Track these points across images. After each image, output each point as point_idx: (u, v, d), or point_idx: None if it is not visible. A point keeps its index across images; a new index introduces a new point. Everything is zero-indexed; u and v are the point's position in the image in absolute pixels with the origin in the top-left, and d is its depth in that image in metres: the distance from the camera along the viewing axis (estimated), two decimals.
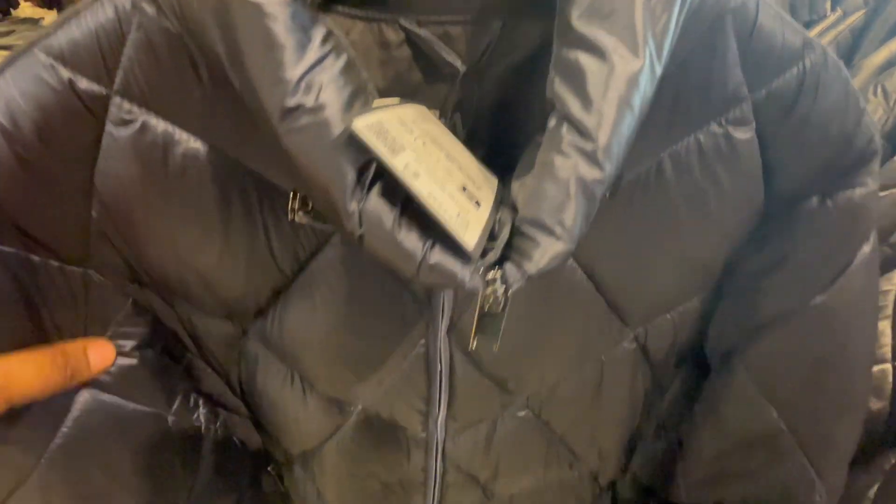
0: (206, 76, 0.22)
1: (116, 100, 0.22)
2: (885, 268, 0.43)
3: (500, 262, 0.18)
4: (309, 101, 0.16)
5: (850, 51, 0.56)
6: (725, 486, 0.35)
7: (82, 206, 0.25)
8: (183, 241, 0.26)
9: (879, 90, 0.50)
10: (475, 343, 0.21)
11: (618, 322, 0.32)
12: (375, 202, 0.17)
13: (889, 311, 0.41)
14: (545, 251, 0.18)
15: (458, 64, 0.22)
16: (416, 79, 0.24)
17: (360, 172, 0.16)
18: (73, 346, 0.25)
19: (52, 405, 0.25)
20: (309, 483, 0.43)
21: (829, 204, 0.26)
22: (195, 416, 0.37)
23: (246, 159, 0.25)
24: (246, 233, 0.27)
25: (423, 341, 0.32)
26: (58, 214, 0.25)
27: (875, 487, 0.38)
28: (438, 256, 0.17)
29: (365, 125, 0.15)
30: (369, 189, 0.17)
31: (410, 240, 0.17)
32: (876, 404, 0.41)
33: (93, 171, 0.24)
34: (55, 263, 0.26)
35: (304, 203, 0.23)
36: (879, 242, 0.44)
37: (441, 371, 0.34)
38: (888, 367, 0.40)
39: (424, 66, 0.24)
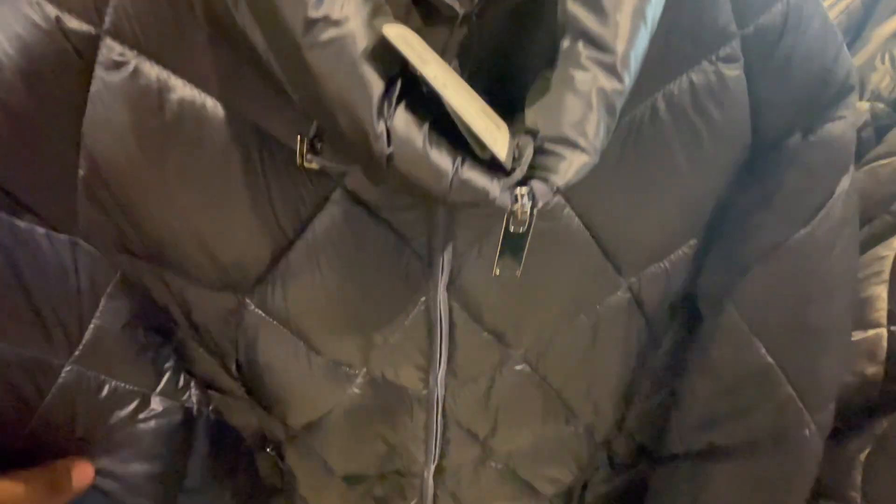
0: (204, 16, 0.21)
1: (107, 41, 0.21)
2: (885, 235, 0.45)
3: (524, 182, 0.19)
4: (334, 12, 0.16)
5: (862, 21, 0.57)
6: (718, 427, 0.36)
7: (69, 162, 0.23)
8: (179, 198, 0.25)
9: (887, 58, 0.52)
10: (498, 268, 0.21)
11: (612, 271, 0.33)
12: (403, 118, 0.16)
13: (886, 275, 0.43)
14: (571, 164, 0.18)
15: (457, 6, 0.23)
16: (416, 23, 0.24)
17: (387, 88, 0.16)
18: (60, 466, 0.27)
19: None
20: (314, 454, 0.42)
21: (810, 139, 0.27)
22: (185, 396, 0.36)
23: (246, 110, 0.24)
24: (246, 189, 0.26)
25: (423, 299, 0.32)
26: (43, 171, 0.23)
27: (866, 452, 0.40)
28: (469, 173, 0.17)
29: (395, 33, 0.15)
30: (396, 106, 0.16)
31: (441, 157, 0.17)
32: (870, 368, 0.42)
33: (80, 121, 0.23)
34: (41, 230, 0.24)
35: (312, 148, 0.22)
36: (880, 212, 0.46)
37: (441, 327, 0.34)
38: (883, 331, 0.42)
39: (423, 10, 0.24)
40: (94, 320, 0.27)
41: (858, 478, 0.40)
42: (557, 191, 0.19)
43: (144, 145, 0.24)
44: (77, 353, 0.27)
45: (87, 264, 0.26)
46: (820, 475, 0.44)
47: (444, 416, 0.43)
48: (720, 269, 0.32)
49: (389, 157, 0.17)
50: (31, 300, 0.24)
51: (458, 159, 0.17)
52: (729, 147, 0.28)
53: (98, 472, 0.29)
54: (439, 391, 0.40)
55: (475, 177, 0.17)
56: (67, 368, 0.27)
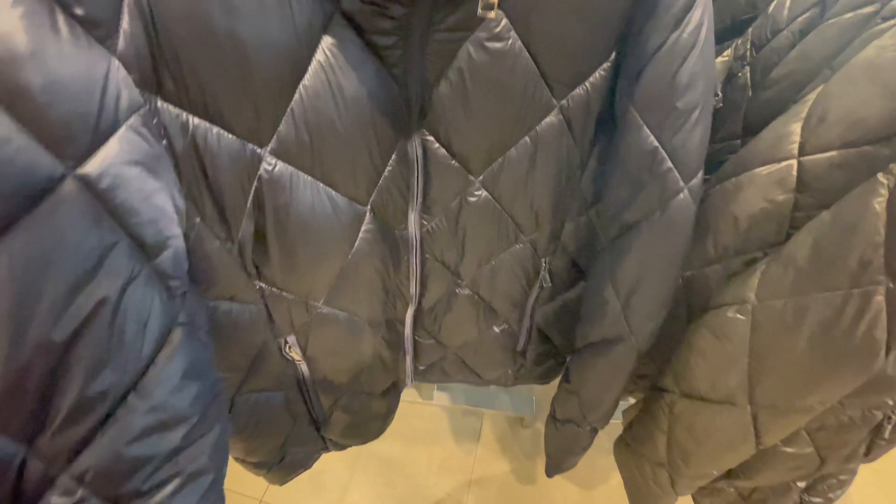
0: None
1: None
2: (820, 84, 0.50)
3: None
4: None
5: None
6: (625, 209, 0.45)
7: None
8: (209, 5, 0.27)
9: None
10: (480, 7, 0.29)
11: (547, 92, 0.41)
12: None
13: (803, 115, 0.50)
14: None
15: None
16: None
17: None
18: None
19: None
20: (338, 313, 0.51)
21: None
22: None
23: None
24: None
25: (403, 132, 0.40)
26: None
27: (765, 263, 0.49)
28: None
29: None
30: None
31: None
32: (780, 196, 0.50)
33: None
34: (81, 29, 0.24)
35: None
36: (823, 67, 0.51)
37: (416, 154, 0.43)
38: (794, 162, 0.49)
39: None
40: (107, 141, 0.25)
41: (756, 282, 0.50)
42: None
43: None
44: (79, 169, 0.24)
45: (115, 84, 0.26)
46: (725, 290, 0.53)
47: (422, 250, 0.53)
48: (625, 82, 0.40)
49: None
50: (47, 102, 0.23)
51: None
52: None
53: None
54: (416, 230, 0.49)
55: None
56: (68, 177, 0.24)
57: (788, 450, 0.54)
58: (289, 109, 0.34)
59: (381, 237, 0.47)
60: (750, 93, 0.63)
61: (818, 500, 0.62)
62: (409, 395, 1.12)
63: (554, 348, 0.66)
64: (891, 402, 0.49)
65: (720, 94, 0.69)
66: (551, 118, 0.43)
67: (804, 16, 0.58)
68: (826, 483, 0.60)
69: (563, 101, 0.42)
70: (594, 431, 0.64)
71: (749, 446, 0.52)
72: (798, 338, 0.45)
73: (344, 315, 0.53)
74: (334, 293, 0.50)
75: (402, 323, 0.60)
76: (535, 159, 0.45)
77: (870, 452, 0.55)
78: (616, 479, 0.78)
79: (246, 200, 0.37)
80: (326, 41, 0.33)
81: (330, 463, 1.04)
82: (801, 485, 0.60)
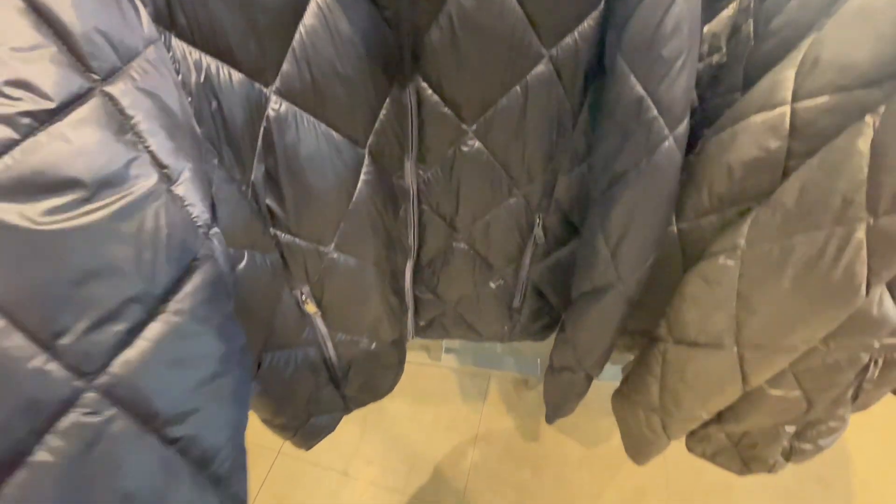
0: None
1: None
2: None
3: None
4: None
5: None
6: (614, 159, 0.47)
7: None
8: None
9: None
10: None
11: (536, 41, 0.42)
12: None
13: (797, 61, 0.50)
14: None
15: None
16: None
17: None
18: None
19: None
20: (347, 258, 0.53)
21: None
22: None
23: None
24: None
25: (399, 79, 0.43)
26: None
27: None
28: None
29: None
30: None
31: None
32: (773, 143, 0.51)
33: None
34: None
35: None
36: (809, 30, 0.51)
37: (411, 106, 0.45)
38: (787, 108, 0.50)
39: None
40: (129, 64, 0.26)
41: (746, 228, 0.51)
42: None
43: None
44: (105, 86, 0.25)
45: (135, 12, 0.27)
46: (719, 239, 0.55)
47: (419, 201, 0.55)
48: (613, 32, 0.41)
49: None
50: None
51: None
52: None
53: None
54: (412, 179, 0.51)
55: None
56: (95, 91, 0.25)
57: (776, 392, 0.56)
58: (290, 48, 0.36)
59: (380, 181, 0.50)
60: (752, 44, 0.63)
61: (808, 446, 0.64)
62: (418, 356, 1.16)
63: (548, 305, 0.69)
64: (877, 345, 0.50)
65: (724, 48, 0.69)
66: (541, 67, 0.44)
67: None
68: (815, 429, 0.62)
69: (553, 51, 0.43)
70: (589, 378, 0.67)
71: (736, 387, 0.54)
72: (783, 277, 0.47)
73: (353, 261, 0.56)
74: (342, 238, 0.52)
75: (403, 276, 0.63)
76: (525, 109, 0.47)
77: (858, 397, 0.57)
78: (617, 438, 0.81)
79: (256, 141, 0.40)
80: None
81: (343, 422, 1.10)
82: (790, 430, 0.62)
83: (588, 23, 0.42)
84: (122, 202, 0.26)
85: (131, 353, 0.27)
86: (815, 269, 0.44)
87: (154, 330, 0.28)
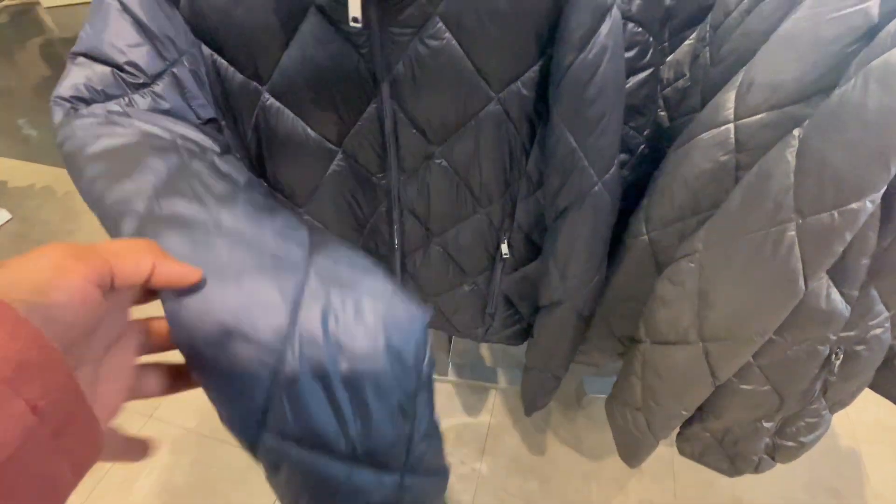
0: None
1: None
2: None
3: None
4: None
5: None
6: (559, 195, 0.54)
7: None
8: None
9: None
10: None
11: (484, 86, 0.49)
12: None
13: (737, 84, 0.57)
14: None
15: None
16: None
17: None
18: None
19: None
20: (314, 223, 0.62)
21: None
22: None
23: None
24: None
25: (374, 100, 0.50)
26: None
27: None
28: None
29: None
30: None
31: None
32: (722, 157, 0.57)
33: None
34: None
35: None
36: (761, 42, 0.58)
37: (388, 126, 0.53)
38: (731, 126, 0.56)
39: None
40: (182, 55, 0.42)
41: (703, 233, 0.57)
42: None
43: None
44: (171, 65, 0.41)
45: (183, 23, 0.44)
46: (683, 245, 0.60)
47: (399, 203, 0.63)
48: (552, 87, 0.48)
49: None
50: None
51: None
52: None
53: None
54: (395, 182, 0.59)
55: None
56: (167, 72, 0.41)
57: (746, 387, 0.59)
58: (278, 66, 0.47)
59: (353, 175, 0.57)
60: (709, 70, 0.69)
61: (790, 443, 0.66)
62: None
63: (518, 314, 0.75)
64: (833, 337, 0.53)
65: (687, 74, 0.75)
66: (491, 106, 0.51)
67: None
68: (794, 426, 0.65)
69: (501, 94, 0.50)
70: (557, 378, 0.74)
71: (706, 381, 0.58)
72: (732, 274, 0.51)
73: (320, 227, 0.64)
74: (312, 205, 0.61)
75: (393, 266, 0.70)
76: (478, 140, 0.54)
77: (827, 391, 0.60)
78: None
79: (251, 121, 0.52)
80: (306, 23, 0.45)
81: None
82: (768, 426, 0.64)
83: (530, 74, 0.49)
84: None
85: None
86: (758, 265, 0.49)
87: None
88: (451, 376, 1.20)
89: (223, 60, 0.47)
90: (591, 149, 0.48)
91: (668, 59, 0.77)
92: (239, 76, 0.48)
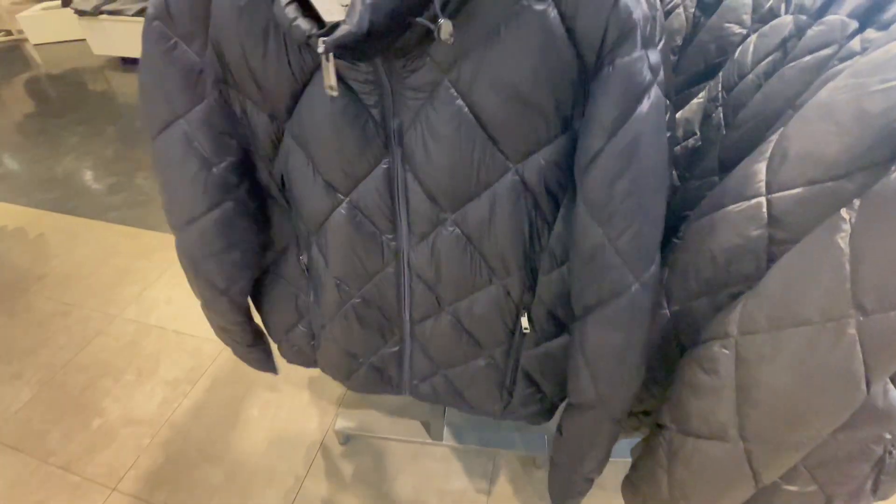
0: None
1: None
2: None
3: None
4: None
5: None
6: (584, 292, 0.49)
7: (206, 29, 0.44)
8: (243, 47, 0.43)
9: None
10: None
11: (501, 156, 0.44)
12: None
13: (767, 155, 0.52)
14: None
15: None
16: None
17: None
18: None
19: None
20: (320, 256, 0.58)
21: (611, 70, 0.36)
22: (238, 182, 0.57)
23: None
24: (276, 50, 0.43)
25: (386, 160, 0.46)
26: (198, 26, 0.44)
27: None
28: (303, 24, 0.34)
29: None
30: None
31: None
32: (754, 231, 0.52)
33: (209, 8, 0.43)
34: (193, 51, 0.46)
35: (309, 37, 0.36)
36: (787, 107, 0.54)
37: (398, 187, 0.47)
38: (763, 199, 0.51)
39: None
40: (203, 101, 0.48)
41: (737, 316, 0.51)
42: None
43: (231, 20, 0.41)
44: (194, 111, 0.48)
45: (208, 65, 0.47)
46: (711, 324, 0.54)
47: (409, 267, 0.56)
48: (578, 169, 0.43)
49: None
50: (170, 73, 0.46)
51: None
52: (561, 70, 0.37)
53: None
54: (405, 244, 0.53)
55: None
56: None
57: (791, 488, 0.53)
58: (295, 112, 0.47)
59: (355, 226, 0.53)
60: (724, 132, 0.65)
61: None
62: (419, 435, 1.12)
63: (541, 392, 0.67)
64: (888, 436, 0.48)
65: (698, 133, 0.71)
66: (509, 177, 0.46)
67: (767, 59, 0.61)
68: None
69: (519, 166, 0.45)
70: (589, 481, 0.64)
71: (748, 484, 0.51)
72: (779, 371, 0.45)
73: (322, 261, 0.61)
74: (321, 237, 0.58)
75: (401, 331, 0.64)
76: (494, 210, 0.48)
77: (877, 489, 0.53)
78: None
79: (274, 151, 0.54)
80: (316, 79, 0.43)
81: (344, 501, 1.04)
82: None
83: (549, 149, 0.43)
84: None
85: None
86: (810, 364, 0.43)
87: None
88: (448, 440, 1.10)
89: (246, 100, 0.50)
90: (626, 245, 0.42)
91: (677, 116, 0.73)
92: (261, 115, 0.50)
